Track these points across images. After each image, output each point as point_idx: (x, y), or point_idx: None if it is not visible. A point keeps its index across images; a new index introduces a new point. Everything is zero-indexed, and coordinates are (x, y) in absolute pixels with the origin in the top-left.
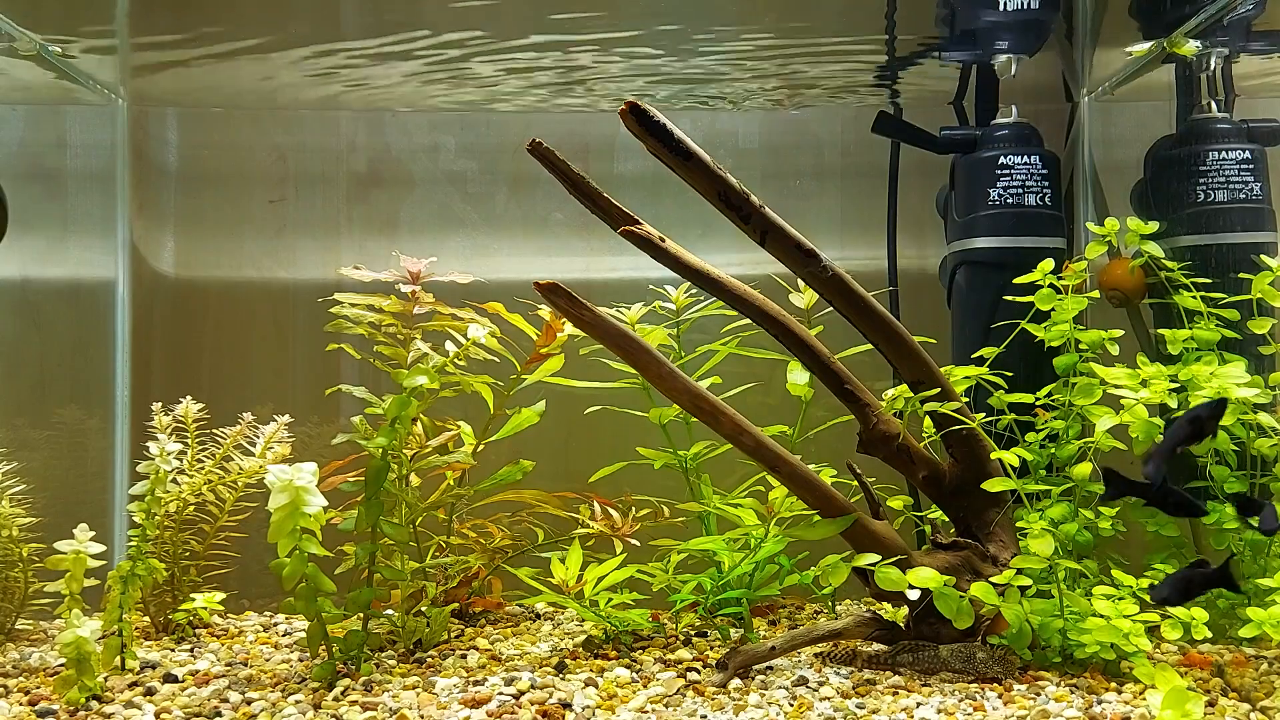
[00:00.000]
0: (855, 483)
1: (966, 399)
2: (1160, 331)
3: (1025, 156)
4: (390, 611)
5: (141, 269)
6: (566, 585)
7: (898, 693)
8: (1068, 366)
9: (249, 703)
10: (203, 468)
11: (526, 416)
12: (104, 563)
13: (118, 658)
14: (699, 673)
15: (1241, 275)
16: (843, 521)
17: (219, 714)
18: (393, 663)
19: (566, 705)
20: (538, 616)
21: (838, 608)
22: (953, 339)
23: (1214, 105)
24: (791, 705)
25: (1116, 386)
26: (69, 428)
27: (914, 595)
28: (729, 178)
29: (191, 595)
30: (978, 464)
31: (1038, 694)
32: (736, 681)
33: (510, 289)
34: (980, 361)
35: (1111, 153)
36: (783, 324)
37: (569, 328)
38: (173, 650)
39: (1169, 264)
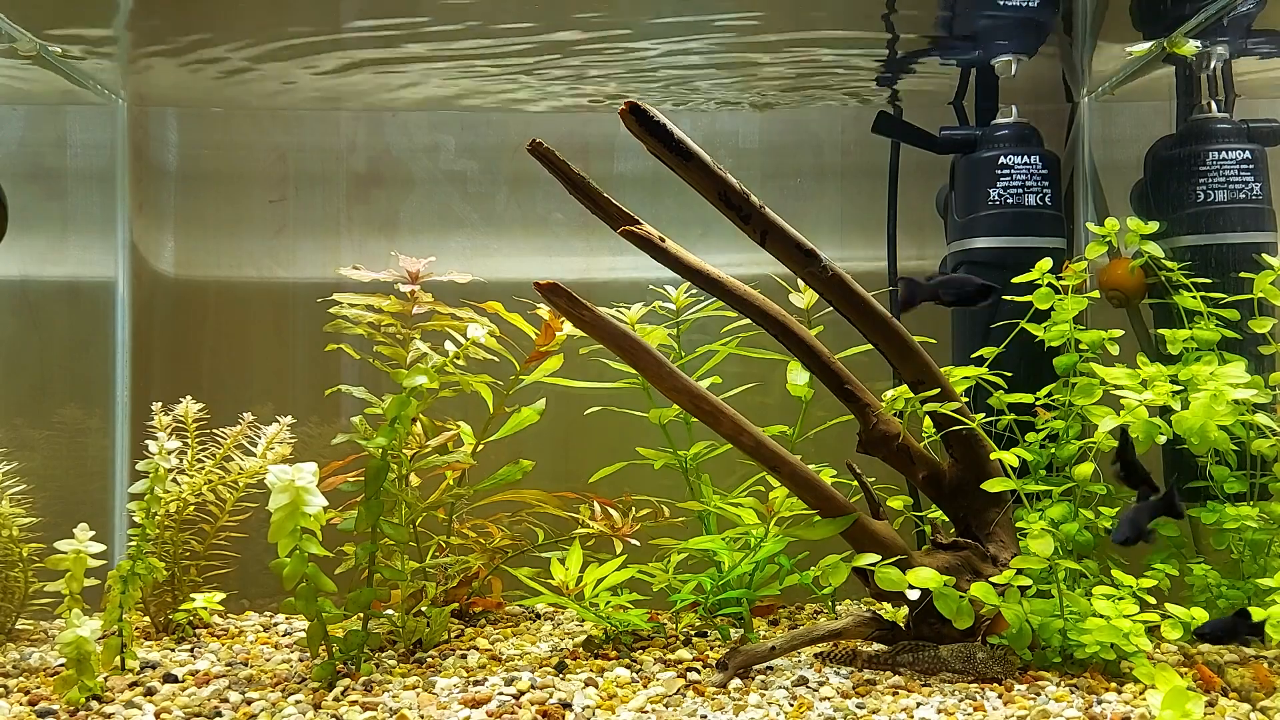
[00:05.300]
0: (855, 483)
1: (966, 399)
2: (1160, 331)
3: (1025, 156)
4: (390, 611)
5: (141, 269)
6: (566, 586)
7: (898, 693)
8: (1068, 366)
9: (249, 703)
10: (203, 467)
11: (526, 416)
12: (104, 562)
13: (118, 658)
14: (699, 673)
15: (1242, 275)
16: (843, 521)
17: (219, 714)
18: (393, 663)
19: (566, 705)
20: (538, 616)
21: (838, 608)
22: (953, 339)
23: (1214, 105)
24: (791, 705)
25: (1117, 387)
26: (69, 428)
27: (914, 595)
28: (729, 178)
29: (191, 595)
30: (978, 464)
31: (1038, 694)
32: (736, 681)
33: (510, 289)
34: (980, 361)
35: (1111, 153)
36: (783, 324)
37: (568, 327)
38: (173, 650)
39: (1169, 264)
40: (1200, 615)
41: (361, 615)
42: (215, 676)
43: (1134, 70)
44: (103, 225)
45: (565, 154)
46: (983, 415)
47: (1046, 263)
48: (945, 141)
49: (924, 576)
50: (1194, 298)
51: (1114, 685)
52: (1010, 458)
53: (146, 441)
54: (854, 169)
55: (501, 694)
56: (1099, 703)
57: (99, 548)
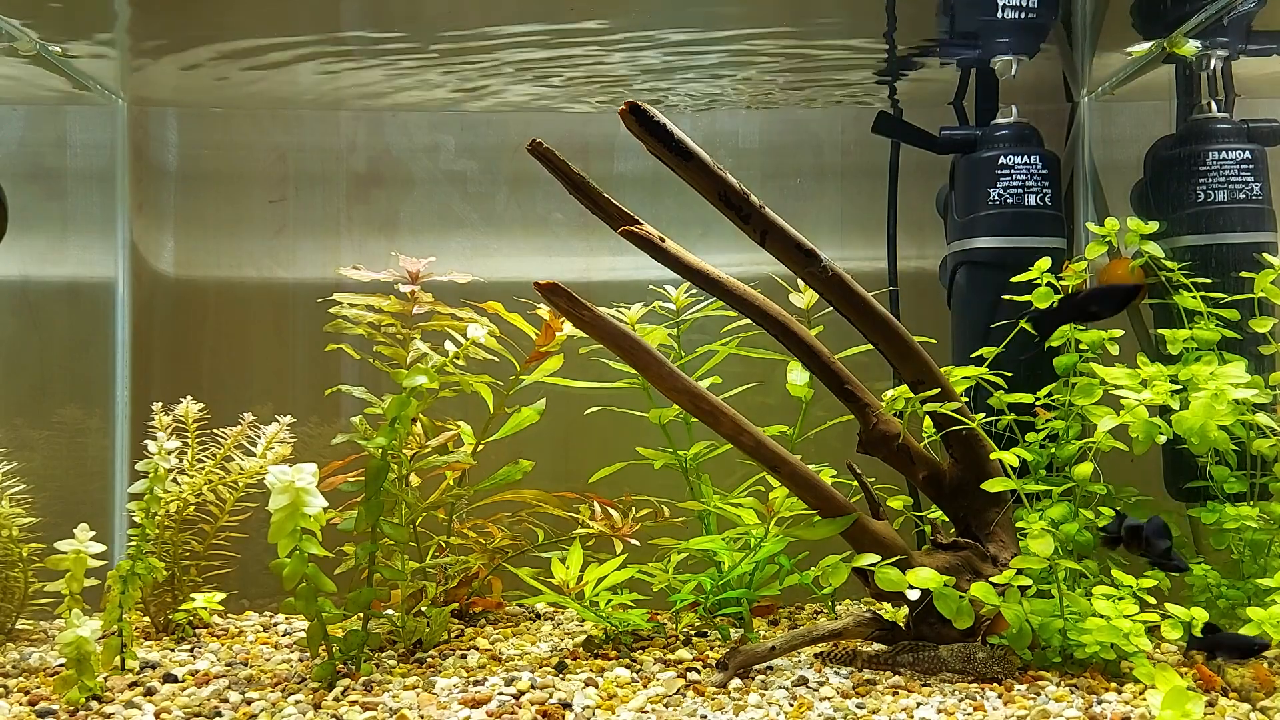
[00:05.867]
0: (855, 483)
1: (966, 399)
2: (1160, 331)
3: (1025, 156)
4: (390, 611)
5: (141, 269)
6: (567, 585)
7: (898, 693)
8: (1068, 366)
9: (249, 703)
10: (203, 468)
11: (527, 416)
12: (104, 563)
13: (118, 658)
14: (699, 673)
15: (1242, 275)
16: (843, 521)
17: (219, 714)
18: (393, 663)
19: (566, 705)
20: (538, 616)
21: (838, 608)
22: (953, 339)
23: (1214, 105)
24: (791, 705)
25: (1117, 387)
26: (69, 428)
27: (914, 595)
28: (729, 178)
29: (191, 595)
30: (978, 464)
31: (1038, 694)
32: (736, 681)
33: (510, 289)
34: (980, 361)
35: (1111, 153)
36: (783, 324)
37: (568, 327)
38: (173, 650)
39: (1169, 264)
40: (1200, 615)
41: (361, 615)
42: (215, 676)
43: (1134, 70)
44: (103, 225)
45: (565, 154)
46: (983, 415)
47: (1046, 262)
48: (945, 141)
49: (924, 576)
50: (1194, 298)
51: (1114, 685)
52: (1010, 458)
53: (146, 441)
54: (854, 169)
55: (501, 694)
56: (1099, 703)
57: (99, 548)
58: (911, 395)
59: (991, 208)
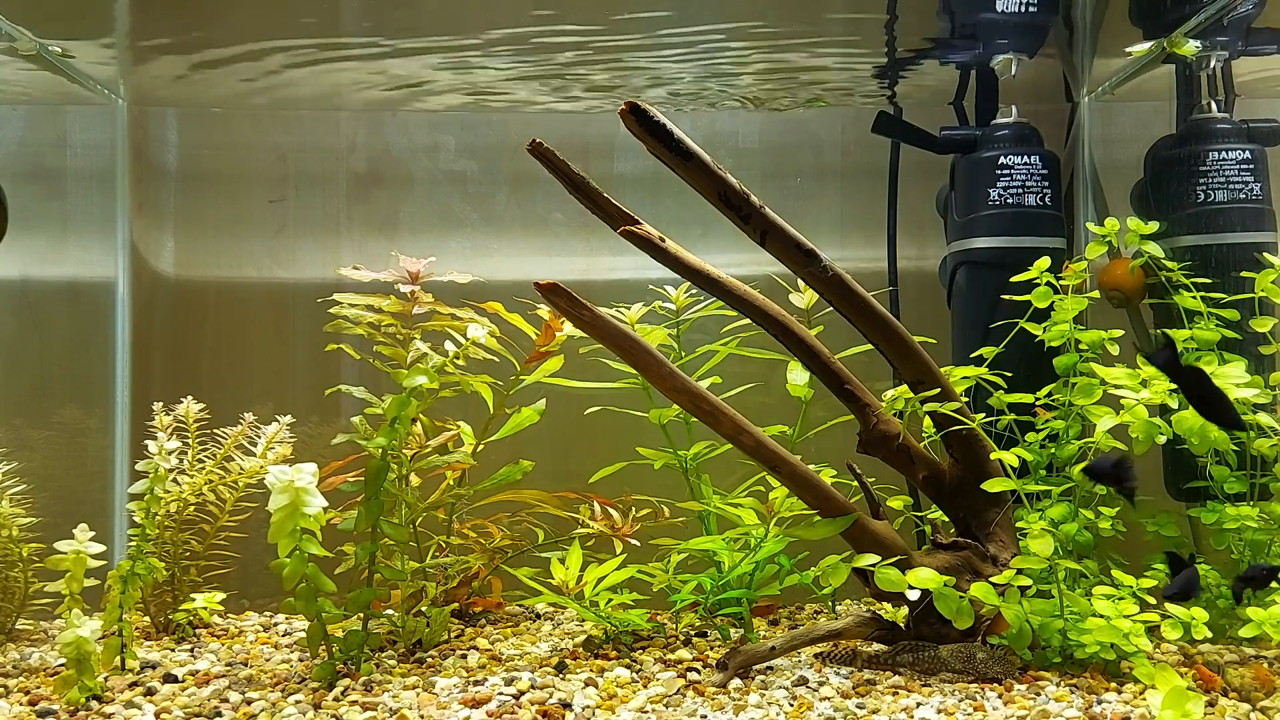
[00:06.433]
0: (855, 483)
1: (966, 399)
2: (1160, 331)
3: (1025, 156)
4: (390, 611)
5: (141, 269)
6: (566, 586)
7: (898, 693)
8: (1068, 366)
9: (249, 703)
10: (203, 467)
11: (527, 416)
12: (104, 563)
13: (118, 658)
14: (699, 673)
15: (1242, 275)
16: (843, 521)
17: (219, 714)
18: (393, 663)
19: (566, 705)
20: (538, 616)
21: (838, 608)
22: (953, 339)
23: (1214, 105)
24: (791, 705)
25: (1117, 387)
26: (69, 428)
27: (914, 595)
28: (729, 178)
29: (191, 595)
30: (978, 464)
31: (1038, 694)
32: (736, 681)
33: (510, 289)
34: (980, 361)
35: (1111, 153)
36: (783, 324)
37: (568, 327)
38: (173, 650)
39: (1169, 264)
40: (1200, 615)
41: (361, 615)
42: (215, 676)
43: (1134, 70)
44: (103, 225)
45: (565, 154)
46: (983, 415)
47: (1045, 261)
48: (945, 141)
49: (924, 577)
50: (1194, 298)
51: (1114, 685)
52: (1010, 458)
53: (146, 441)
54: (854, 169)
55: (501, 694)
56: (1099, 703)
57: (99, 548)
58: (911, 395)
59: (991, 208)
